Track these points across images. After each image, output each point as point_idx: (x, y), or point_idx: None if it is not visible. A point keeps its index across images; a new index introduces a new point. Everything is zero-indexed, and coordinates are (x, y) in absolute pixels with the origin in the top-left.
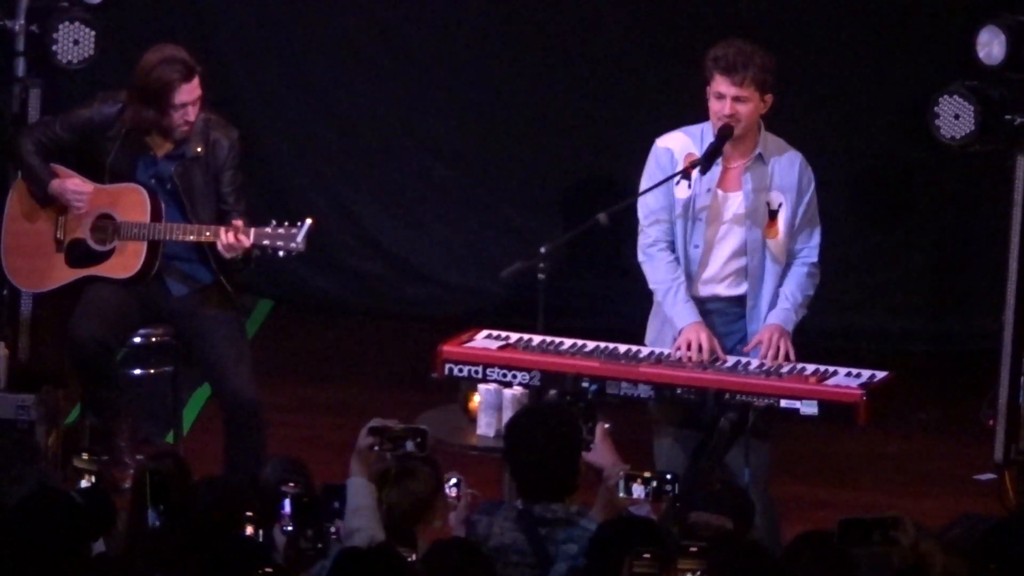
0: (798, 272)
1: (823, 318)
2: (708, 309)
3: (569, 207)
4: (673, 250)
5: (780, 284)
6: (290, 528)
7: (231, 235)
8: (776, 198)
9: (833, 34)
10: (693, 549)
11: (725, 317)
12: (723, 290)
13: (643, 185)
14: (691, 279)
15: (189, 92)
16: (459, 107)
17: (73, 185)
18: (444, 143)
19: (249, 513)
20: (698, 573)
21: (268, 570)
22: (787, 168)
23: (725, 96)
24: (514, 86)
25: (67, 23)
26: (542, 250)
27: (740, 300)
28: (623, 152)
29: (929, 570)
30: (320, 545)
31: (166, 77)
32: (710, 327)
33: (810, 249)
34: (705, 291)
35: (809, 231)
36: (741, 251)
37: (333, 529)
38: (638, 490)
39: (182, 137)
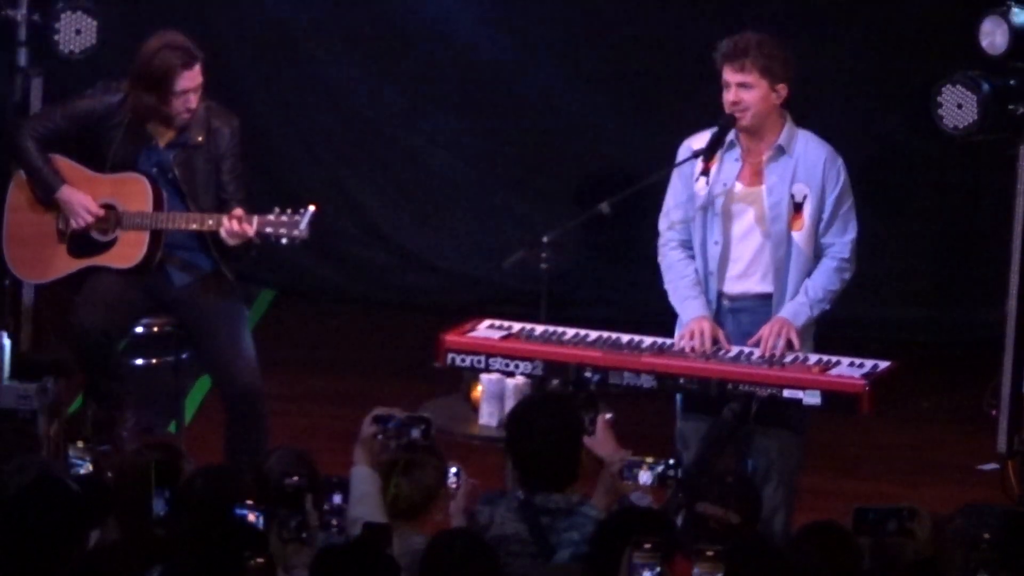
0: (826, 266)
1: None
2: (739, 307)
3: (572, 196)
4: (688, 248)
5: (807, 277)
6: (335, 523)
7: (234, 223)
8: (801, 190)
9: (836, 23)
10: (710, 553)
11: (757, 315)
12: (754, 286)
13: (668, 184)
14: (715, 276)
15: (190, 79)
16: (462, 95)
17: (84, 201)
18: (447, 131)
19: (249, 501)
20: None
21: (260, 560)
22: (812, 161)
23: (730, 84)
24: (518, 75)
25: (69, 12)
26: (544, 239)
27: (772, 297)
28: (626, 141)
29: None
30: (304, 535)
31: (167, 63)
32: (740, 325)
33: (842, 244)
34: (735, 288)
35: (842, 226)
36: (767, 245)
37: (334, 521)
38: (644, 476)
39: (183, 125)
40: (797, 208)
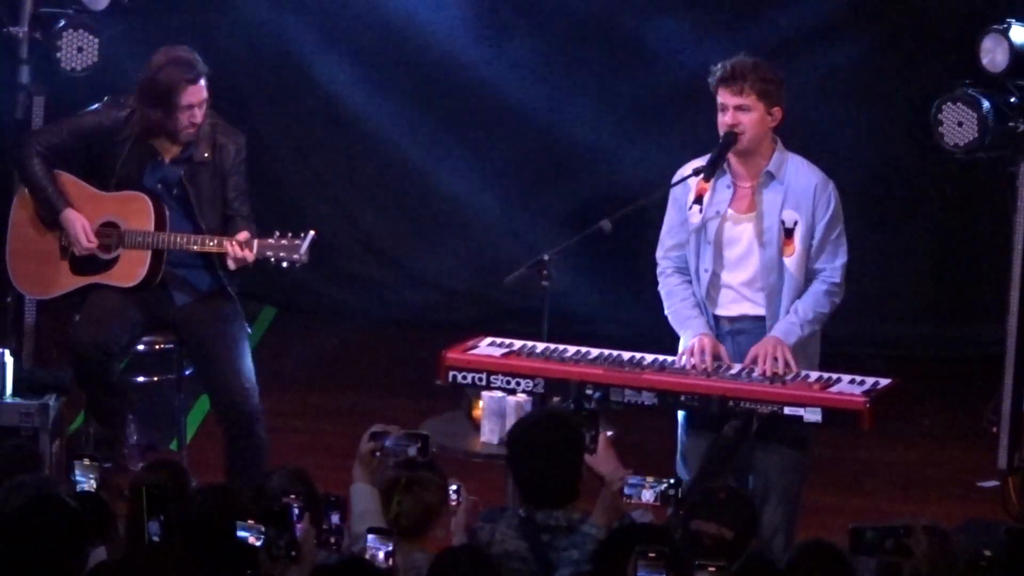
0: (815, 290)
1: (826, 324)
2: (738, 329)
3: (573, 214)
4: (685, 273)
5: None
6: (332, 541)
7: (236, 247)
8: (791, 216)
9: (837, 41)
10: (712, 569)
11: (753, 336)
12: (751, 309)
13: (665, 213)
14: (709, 302)
15: (195, 94)
16: (463, 113)
17: (78, 232)
18: (449, 149)
19: (249, 520)
20: None
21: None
22: (803, 187)
23: (728, 107)
24: (518, 93)
25: (71, 30)
26: (545, 257)
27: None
28: (627, 159)
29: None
30: (293, 553)
31: (173, 78)
32: (740, 346)
33: (832, 270)
34: (731, 311)
35: (832, 251)
36: (759, 271)
37: (332, 540)
38: (646, 494)
39: (188, 140)
40: (788, 234)
